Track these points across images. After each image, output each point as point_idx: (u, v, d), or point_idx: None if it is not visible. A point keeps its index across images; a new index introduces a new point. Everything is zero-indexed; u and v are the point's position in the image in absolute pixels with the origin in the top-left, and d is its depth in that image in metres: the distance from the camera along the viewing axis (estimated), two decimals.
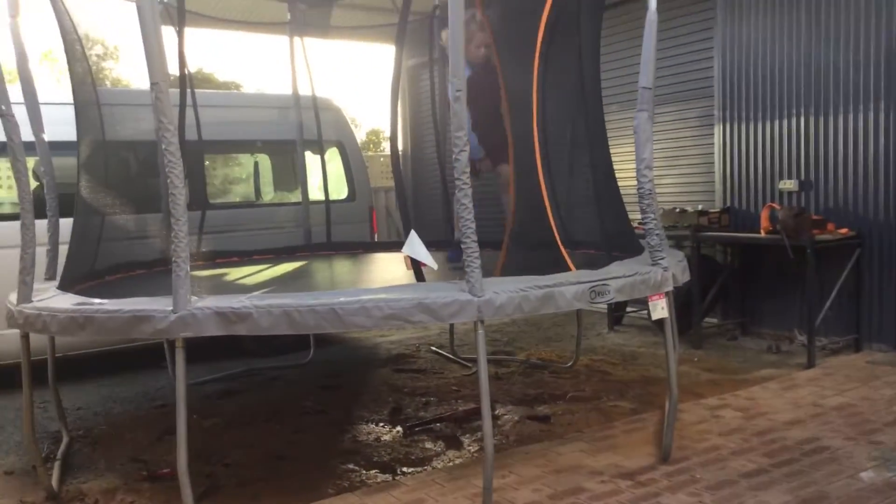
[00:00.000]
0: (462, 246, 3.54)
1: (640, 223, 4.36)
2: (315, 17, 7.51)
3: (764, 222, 6.72)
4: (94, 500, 4.17)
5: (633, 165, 4.19)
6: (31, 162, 4.69)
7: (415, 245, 3.93)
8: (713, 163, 7.77)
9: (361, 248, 7.38)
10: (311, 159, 7.83)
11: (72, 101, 4.99)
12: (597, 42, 5.00)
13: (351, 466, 4.54)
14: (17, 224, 4.15)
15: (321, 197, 7.52)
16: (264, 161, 8.74)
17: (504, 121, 4.46)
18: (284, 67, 7.46)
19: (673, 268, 4.31)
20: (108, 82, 19.12)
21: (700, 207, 7.47)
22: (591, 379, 6.23)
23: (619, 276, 4.01)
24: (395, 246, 6.82)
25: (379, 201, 11.93)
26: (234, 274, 5.85)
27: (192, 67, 6.69)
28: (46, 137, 4.68)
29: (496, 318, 3.71)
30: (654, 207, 4.19)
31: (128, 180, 6.69)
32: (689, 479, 3.96)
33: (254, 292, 3.97)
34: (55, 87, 16.47)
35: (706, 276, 7.30)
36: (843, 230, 6.53)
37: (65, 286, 4.41)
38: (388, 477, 4.36)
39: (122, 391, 6.47)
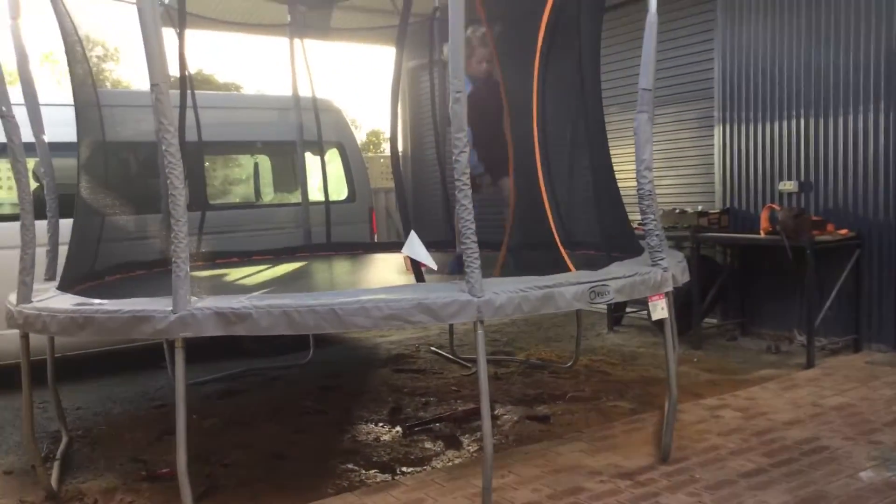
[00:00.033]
0: (462, 246, 3.54)
1: (639, 224, 4.36)
2: (315, 18, 7.52)
3: (764, 223, 6.73)
4: (94, 500, 4.17)
5: (633, 166, 4.19)
6: (31, 163, 4.70)
7: (415, 246, 3.93)
8: (713, 164, 7.77)
9: (361, 248, 7.39)
10: (311, 160, 7.84)
11: (71, 103, 5.00)
12: (597, 44, 5.01)
13: (350, 466, 4.55)
14: (17, 225, 4.16)
15: (321, 198, 7.53)
16: (264, 162, 8.74)
17: (506, 140, 4.48)
18: (285, 69, 7.46)
19: (673, 268, 4.31)
20: (108, 83, 19.12)
21: (700, 208, 7.47)
22: (591, 379, 6.24)
23: (618, 277, 4.02)
24: (395, 246, 6.83)
25: (379, 202, 11.93)
26: (234, 274, 5.85)
27: (192, 69, 6.70)
28: (46, 138, 4.69)
29: (496, 318, 3.72)
30: (654, 208, 4.20)
31: (128, 181, 6.70)
32: (688, 479, 3.96)
33: (253, 293, 3.98)
34: (56, 89, 16.48)
35: (706, 277, 7.30)
36: (843, 231, 6.54)
37: (64, 287, 4.41)
38: (388, 477, 4.36)
39: (122, 391, 6.48)
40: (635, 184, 4.18)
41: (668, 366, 4.33)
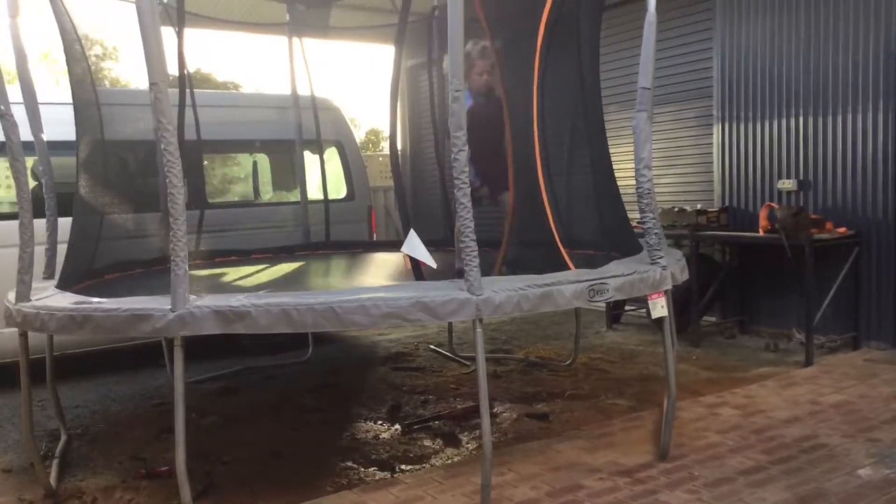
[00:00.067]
0: (461, 244, 3.54)
1: (638, 222, 4.37)
2: (314, 17, 7.51)
3: (762, 221, 6.73)
4: (93, 498, 4.17)
5: (632, 165, 4.19)
6: (29, 162, 4.70)
7: (414, 244, 3.94)
8: (712, 162, 7.78)
9: (360, 247, 7.39)
10: (310, 159, 7.84)
11: (70, 101, 5.00)
12: (596, 43, 5.01)
13: (349, 464, 4.55)
14: (15, 223, 4.16)
15: (320, 196, 7.53)
16: (263, 161, 8.74)
17: (507, 157, 4.48)
18: (283, 68, 7.45)
19: (672, 266, 4.32)
20: (107, 82, 19.11)
21: (699, 206, 7.47)
22: (590, 377, 6.24)
23: (617, 275, 4.02)
24: (394, 245, 6.83)
25: (378, 201, 11.94)
26: (233, 274, 5.85)
27: (190, 67, 6.70)
28: (45, 137, 4.69)
29: (495, 316, 3.72)
30: (653, 207, 4.21)
31: (127, 180, 6.69)
32: (687, 477, 3.97)
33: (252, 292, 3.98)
34: (54, 88, 16.47)
35: (705, 275, 7.31)
36: (842, 229, 6.54)
37: (63, 285, 4.41)
38: (387, 474, 4.37)
39: (121, 389, 6.48)
40: (634, 182, 4.19)
41: (668, 364, 4.34)
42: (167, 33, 5.10)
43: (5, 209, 6.58)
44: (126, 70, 23.86)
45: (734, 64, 7.42)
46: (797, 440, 4.44)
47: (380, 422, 5.35)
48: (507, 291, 3.61)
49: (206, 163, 8.08)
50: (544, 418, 5.23)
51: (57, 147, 5.09)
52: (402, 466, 4.50)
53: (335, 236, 7.37)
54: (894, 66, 6.22)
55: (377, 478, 4.33)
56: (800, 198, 6.98)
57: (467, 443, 4.87)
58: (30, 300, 4.09)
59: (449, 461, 4.57)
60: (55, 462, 4.64)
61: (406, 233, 4.10)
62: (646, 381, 6.05)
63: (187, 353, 3.56)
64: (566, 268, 4.05)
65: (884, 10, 6.25)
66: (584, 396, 5.69)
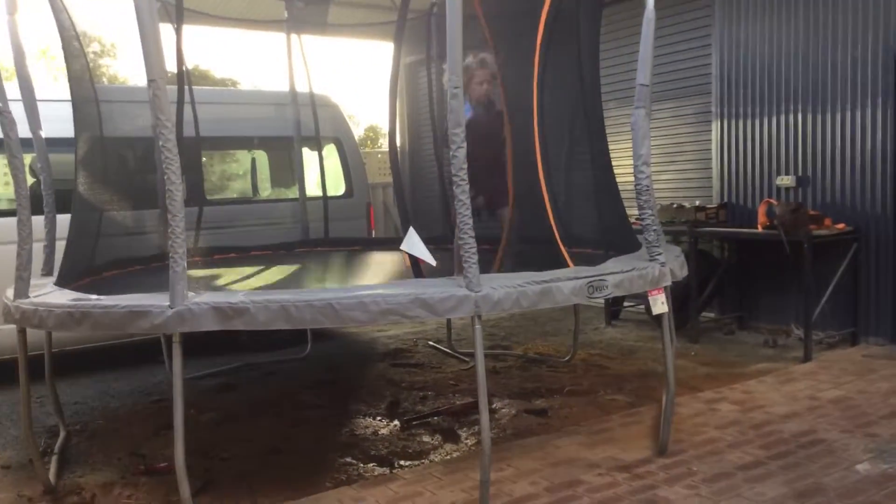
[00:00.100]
0: (459, 241, 3.55)
1: (637, 219, 4.37)
2: (312, 14, 7.50)
3: (761, 218, 6.73)
4: (92, 495, 4.18)
5: (631, 161, 4.19)
6: (28, 158, 4.70)
7: (413, 242, 3.94)
8: (711, 159, 7.78)
9: (359, 244, 7.39)
10: (309, 156, 7.83)
11: (68, 98, 4.99)
12: (596, 40, 5.00)
13: (348, 460, 4.55)
14: (13, 220, 4.16)
15: (319, 193, 7.53)
16: (261, 157, 8.74)
17: (507, 172, 4.48)
18: (282, 64, 7.45)
19: (671, 263, 4.32)
20: (105, 79, 19.09)
21: (697, 203, 7.47)
22: (589, 373, 6.25)
23: (616, 272, 4.02)
24: (393, 242, 6.83)
25: (376, 197, 11.93)
26: (232, 276, 5.81)
27: (189, 64, 6.69)
28: (43, 134, 4.68)
29: (493, 312, 3.72)
30: (652, 203, 4.21)
31: (125, 177, 6.69)
32: (685, 472, 3.98)
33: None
34: (52, 85, 16.45)
35: (703, 272, 7.32)
36: (840, 225, 6.54)
37: (62, 282, 4.41)
38: (386, 470, 4.37)
39: (120, 386, 6.48)
40: (633, 179, 4.19)
41: (666, 359, 4.35)
42: (165, 30, 5.09)
43: (3, 206, 6.58)
44: (124, 67, 23.83)
45: (733, 60, 7.41)
46: (795, 435, 4.45)
47: (379, 418, 5.35)
48: (506, 288, 3.61)
49: (204, 160, 8.08)
50: (543, 414, 5.24)
51: (55, 144, 5.08)
52: (401, 462, 4.50)
53: (334, 233, 7.37)
54: (893, 63, 6.22)
55: (376, 474, 4.33)
56: (798, 194, 6.98)
57: (466, 438, 4.88)
58: (28, 297, 4.08)
59: (448, 457, 4.57)
60: (54, 458, 4.65)
61: (405, 230, 4.10)
62: (644, 376, 6.06)
63: (186, 349, 3.56)
64: (566, 265, 4.05)
65: (882, 6, 6.25)
66: (583, 392, 5.70)
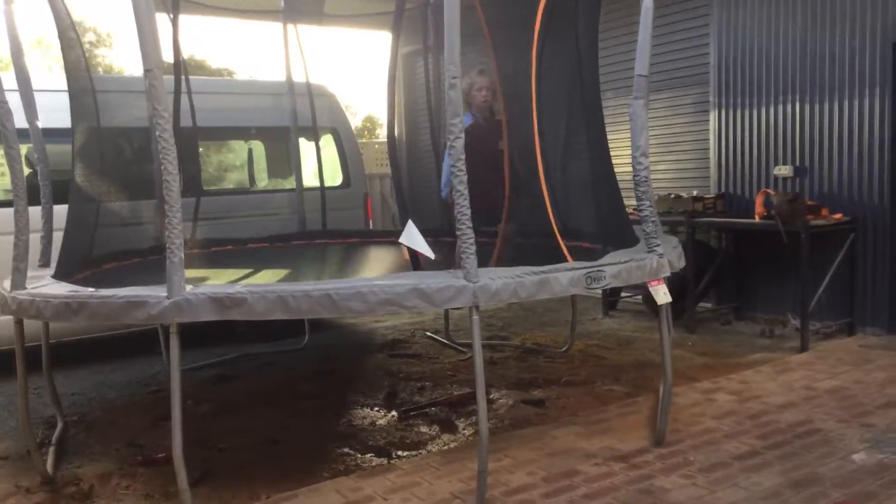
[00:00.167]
0: (457, 232, 3.54)
1: (634, 209, 4.36)
2: (309, 4, 7.46)
3: (759, 208, 6.73)
4: (90, 485, 4.18)
5: (629, 152, 4.18)
6: (24, 149, 4.68)
7: (412, 235, 3.93)
8: (708, 149, 7.77)
9: (357, 235, 7.37)
10: (306, 146, 7.81)
11: (63, 88, 4.97)
12: (595, 31, 4.98)
13: (346, 450, 4.56)
14: (10, 211, 4.15)
15: (316, 184, 7.51)
16: (258, 148, 8.72)
17: (504, 164, 4.47)
18: (279, 54, 7.40)
19: (668, 254, 4.32)
20: (100, 69, 19.02)
21: (695, 193, 7.47)
22: (586, 363, 6.26)
23: (614, 263, 4.02)
24: (391, 234, 6.83)
25: (374, 188, 11.91)
26: (230, 275, 5.76)
27: (185, 54, 6.67)
28: (40, 124, 4.67)
29: (491, 303, 3.72)
30: (650, 195, 4.20)
31: (122, 167, 6.67)
32: (682, 462, 3.99)
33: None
34: (47, 75, 16.39)
35: (701, 262, 7.32)
36: (838, 215, 6.55)
37: (59, 275, 4.40)
38: (384, 461, 4.38)
39: (117, 377, 6.48)
40: (631, 170, 4.18)
41: (664, 350, 4.35)
42: (161, 19, 5.07)
43: (0, 197, 6.56)
44: (120, 57, 23.75)
45: (731, 50, 7.40)
46: (792, 425, 4.46)
47: (376, 408, 5.36)
48: (504, 279, 3.61)
49: (201, 150, 8.05)
50: (540, 404, 5.25)
51: (50, 134, 5.06)
52: (399, 453, 4.51)
53: (331, 224, 7.34)
54: (891, 53, 6.21)
55: (374, 464, 4.34)
56: (796, 184, 6.98)
57: (464, 429, 4.88)
58: (25, 288, 4.08)
59: (445, 447, 4.58)
60: (52, 449, 4.65)
61: (403, 222, 4.09)
62: (642, 367, 6.07)
63: (183, 340, 3.56)
64: (564, 260, 4.05)
65: None
66: (581, 383, 5.71)
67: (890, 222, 6.37)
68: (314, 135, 7.60)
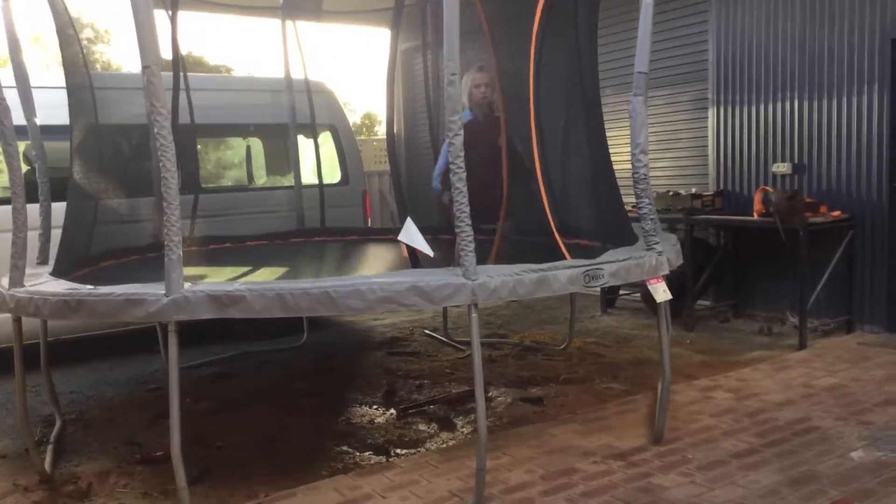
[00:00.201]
0: (456, 230, 3.54)
1: (633, 207, 4.36)
2: (307, 0, 7.45)
3: (757, 205, 6.73)
4: (88, 483, 4.17)
5: (627, 149, 4.18)
6: (22, 146, 4.67)
7: (411, 233, 3.93)
8: (707, 146, 7.77)
9: (355, 232, 7.37)
10: (304, 143, 7.80)
11: (62, 85, 4.96)
12: (594, 27, 4.97)
13: (345, 448, 4.56)
14: (8, 209, 4.14)
15: (314, 181, 7.50)
16: (256, 145, 8.71)
17: (502, 162, 4.46)
18: (277, 51, 7.39)
19: (667, 252, 4.31)
20: (98, 66, 18.98)
21: (693, 190, 7.47)
22: (584, 361, 6.26)
23: (613, 261, 4.02)
24: (390, 231, 6.82)
25: (372, 185, 11.90)
26: (227, 266, 5.75)
27: (183, 50, 6.66)
28: (38, 121, 4.66)
29: (490, 301, 3.71)
30: (649, 192, 4.20)
31: (120, 164, 6.66)
32: (680, 460, 3.99)
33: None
34: (45, 72, 16.36)
35: (699, 259, 7.32)
36: (836, 213, 6.55)
37: (58, 273, 4.40)
38: (382, 459, 4.38)
39: (115, 375, 6.48)
40: (629, 167, 4.18)
41: (663, 347, 4.35)
42: (160, 16, 5.06)
43: None
44: (118, 53, 23.70)
45: (730, 47, 7.40)
46: (790, 423, 4.47)
47: (375, 406, 5.36)
48: (503, 276, 3.61)
49: (199, 147, 8.04)
50: (539, 402, 5.25)
51: (48, 131, 5.05)
52: (398, 451, 4.51)
53: (329, 221, 7.34)
54: (890, 49, 6.21)
55: (372, 462, 4.34)
56: (794, 181, 6.98)
57: (462, 427, 4.88)
58: (23, 285, 4.07)
59: (444, 445, 4.58)
60: (50, 447, 4.65)
61: (402, 219, 4.09)
62: (640, 364, 6.07)
63: (181, 338, 3.56)
64: (563, 258, 4.04)
65: None
66: (579, 380, 5.71)
67: (888, 219, 6.37)
68: (313, 132, 7.60)
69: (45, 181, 4.67)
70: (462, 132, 3.49)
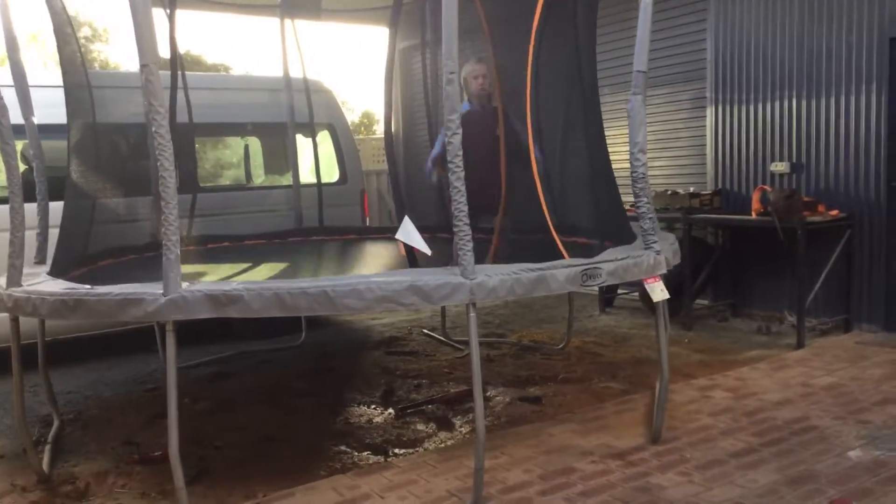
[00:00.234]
0: (454, 229, 3.54)
1: (632, 206, 4.35)
2: None
3: (755, 204, 6.73)
4: (86, 483, 4.17)
5: (626, 148, 4.18)
6: (19, 145, 4.66)
7: (409, 232, 3.92)
8: (705, 145, 7.77)
9: (353, 231, 7.37)
10: (302, 142, 7.79)
11: (59, 84, 4.96)
12: (593, 26, 4.97)
13: (343, 448, 4.56)
14: (5, 208, 4.14)
15: (312, 180, 7.49)
16: (255, 144, 8.70)
17: (500, 160, 4.46)
18: (275, 50, 7.39)
19: (665, 251, 4.31)
20: (96, 65, 18.96)
21: (692, 189, 7.47)
22: (583, 360, 6.26)
23: (611, 260, 4.02)
24: (388, 230, 6.81)
25: (371, 184, 11.89)
26: (225, 265, 5.75)
27: (181, 49, 6.64)
28: (35, 120, 4.65)
29: (488, 300, 3.71)
30: (648, 191, 4.20)
31: (118, 163, 6.65)
32: (678, 459, 3.99)
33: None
34: (42, 71, 16.33)
35: (697, 258, 7.32)
36: (834, 212, 6.55)
37: (55, 272, 4.39)
38: (380, 458, 4.38)
39: (113, 375, 6.47)
40: (628, 166, 4.18)
41: (661, 347, 4.35)
42: (158, 15, 5.05)
43: None
44: (116, 52, 23.65)
45: (728, 46, 7.39)
46: (788, 422, 4.47)
47: (373, 406, 5.36)
48: (501, 275, 3.60)
49: (197, 146, 8.03)
50: (537, 402, 5.25)
51: (45, 130, 5.04)
52: (396, 450, 4.51)
53: (328, 220, 7.34)
54: (888, 48, 6.21)
55: (371, 462, 4.34)
56: (792, 180, 6.98)
57: (460, 426, 4.88)
58: (21, 285, 4.06)
59: (442, 445, 4.58)
60: (48, 447, 4.64)
61: (400, 218, 4.08)
62: (638, 364, 6.07)
63: (179, 338, 3.55)
64: (561, 257, 4.04)
65: None
66: (577, 380, 5.71)
67: (886, 218, 6.37)
68: (311, 131, 7.59)
69: (43, 180, 4.66)
70: (461, 131, 3.48)
